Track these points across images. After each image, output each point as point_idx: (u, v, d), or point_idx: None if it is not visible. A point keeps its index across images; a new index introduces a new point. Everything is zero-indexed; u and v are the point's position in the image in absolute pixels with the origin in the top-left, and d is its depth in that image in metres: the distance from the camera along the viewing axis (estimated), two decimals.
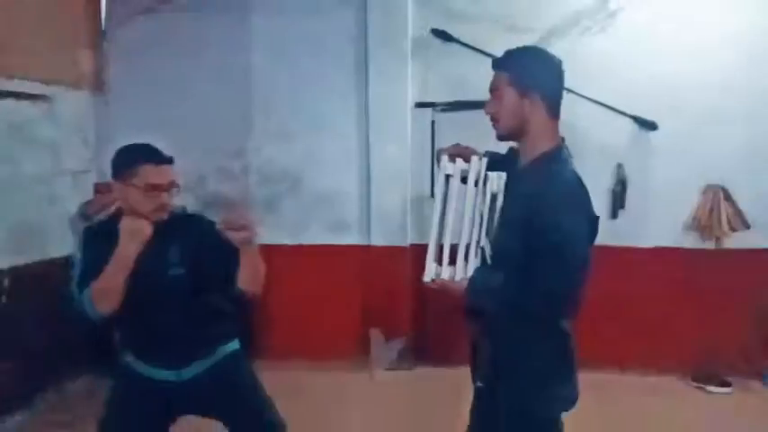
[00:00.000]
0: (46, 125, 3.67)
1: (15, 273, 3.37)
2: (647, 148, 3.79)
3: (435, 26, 3.90)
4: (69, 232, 3.79)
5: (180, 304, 2.00)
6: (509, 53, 1.72)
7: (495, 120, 1.73)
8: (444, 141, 3.95)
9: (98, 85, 4.14)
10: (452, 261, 1.64)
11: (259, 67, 4.11)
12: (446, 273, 1.64)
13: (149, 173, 1.91)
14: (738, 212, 3.73)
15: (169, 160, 1.97)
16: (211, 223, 2.07)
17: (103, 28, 4.16)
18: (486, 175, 1.64)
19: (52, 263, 3.61)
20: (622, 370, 3.85)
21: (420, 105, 3.96)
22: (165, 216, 1.98)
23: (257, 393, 2.18)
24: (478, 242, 1.65)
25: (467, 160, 1.66)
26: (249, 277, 1.92)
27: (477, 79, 3.69)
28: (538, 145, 1.68)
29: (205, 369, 2.09)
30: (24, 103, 3.50)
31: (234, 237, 1.77)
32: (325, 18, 4.01)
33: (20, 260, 3.41)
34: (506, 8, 3.83)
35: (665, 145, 3.76)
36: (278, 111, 4.12)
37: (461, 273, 1.64)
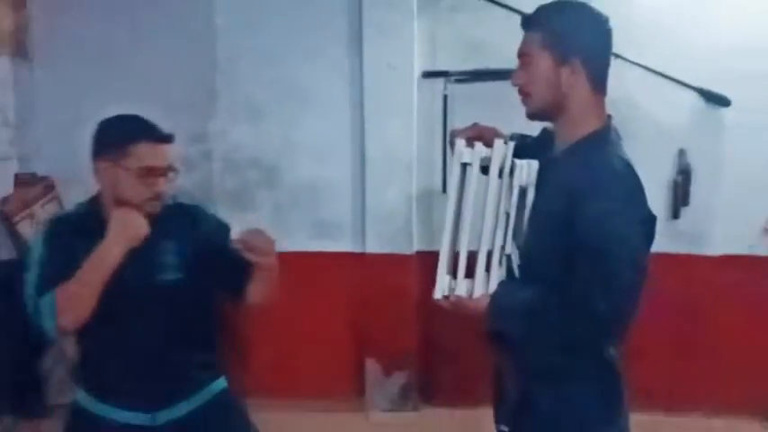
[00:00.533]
0: None
1: None
2: (717, 130, 3.80)
3: None
4: None
5: (169, 319, 1.99)
6: (543, 9, 1.74)
7: (525, 93, 1.74)
8: (460, 121, 3.95)
9: (20, 49, 4.13)
10: (470, 273, 1.65)
11: (224, 28, 4.10)
12: (462, 287, 1.65)
13: (146, 153, 1.92)
14: None
15: (169, 138, 1.99)
16: (216, 219, 2.14)
17: None
18: (513, 164, 1.65)
19: None
20: (680, 410, 3.86)
21: (429, 75, 3.96)
22: (159, 207, 1.98)
23: None
24: (503, 248, 1.66)
25: (488, 144, 1.67)
26: (263, 292, 2.02)
27: (502, 42, 3.70)
28: (579, 125, 1.69)
29: (188, 413, 2.05)
30: None
31: (254, 260, 1.87)
32: None
33: None
34: None
35: (738, 125, 3.76)
36: (248, 83, 4.12)
37: (481, 287, 1.65)
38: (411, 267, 3.98)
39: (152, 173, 1.93)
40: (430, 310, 3.84)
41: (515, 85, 1.75)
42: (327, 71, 4.05)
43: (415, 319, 4.00)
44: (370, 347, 4.10)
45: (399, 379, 4.07)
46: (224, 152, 4.18)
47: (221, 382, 2.16)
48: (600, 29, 1.70)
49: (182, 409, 2.04)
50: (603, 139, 1.68)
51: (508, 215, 1.65)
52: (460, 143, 1.68)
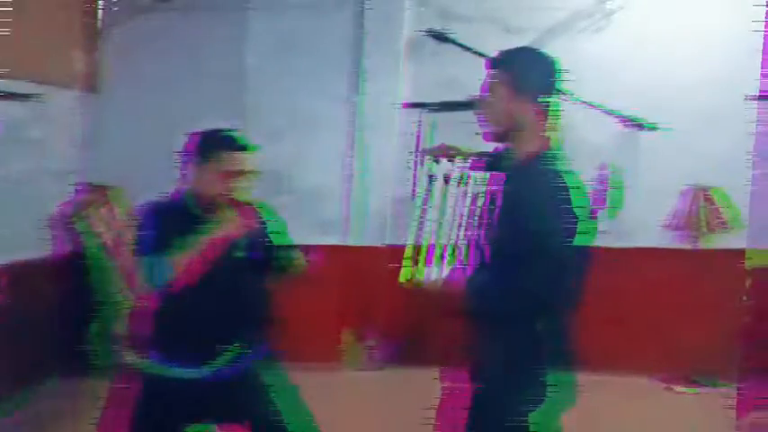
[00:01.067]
0: (35, 124, 3.61)
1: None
2: (635, 148, 3.78)
3: (431, 26, 3.87)
4: (50, 232, 3.71)
5: (231, 288, 1.99)
6: (504, 53, 1.70)
7: (487, 119, 1.69)
8: (435, 142, 3.93)
9: (91, 84, 4.09)
10: (428, 261, 1.65)
11: (253, 68, 4.09)
12: (422, 273, 1.65)
13: (228, 159, 1.93)
14: (718, 214, 3.72)
15: (244, 147, 1.98)
16: (275, 215, 2.15)
17: (99, 28, 4.13)
18: (468, 176, 1.64)
19: (37, 262, 3.58)
20: (593, 370, 3.78)
21: (409, 106, 3.92)
22: (233, 200, 1.98)
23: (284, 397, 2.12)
24: (456, 243, 1.64)
25: (451, 160, 1.65)
26: (290, 278, 2.11)
27: (471, 79, 3.69)
28: (529, 145, 1.65)
29: (229, 367, 2.02)
30: (15, 102, 3.45)
31: (293, 267, 2.07)
32: (322, 18, 4.00)
33: (3, 259, 3.34)
34: (501, 9, 3.81)
35: (650, 146, 3.75)
36: (271, 111, 4.08)
37: (437, 273, 1.63)
38: (382, 257, 3.89)
39: (229, 174, 1.93)
40: (395, 291, 3.84)
41: (479, 113, 1.71)
42: (331, 104, 4.02)
43: (383, 298, 3.94)
44: (346, 320, 4.06)
45: (368, 345, 4.06)
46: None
47: (256, 343, 2.12)
48: (549, 69, 1.66)
49: (222, 363, 2.00)
50: (546, 156, 1.64)
51: (462, 216, 1.63)
52: (428, 159, 1.66)
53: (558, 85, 1.69)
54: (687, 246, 3.76)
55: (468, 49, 3.81)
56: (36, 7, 3.58)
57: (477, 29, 3.82)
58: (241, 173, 1.95)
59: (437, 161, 1.64)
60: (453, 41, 3.84)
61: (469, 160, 1.64)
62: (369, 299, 3.97)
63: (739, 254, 3.69)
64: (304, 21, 4.00)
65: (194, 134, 2.01)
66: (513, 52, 1.70)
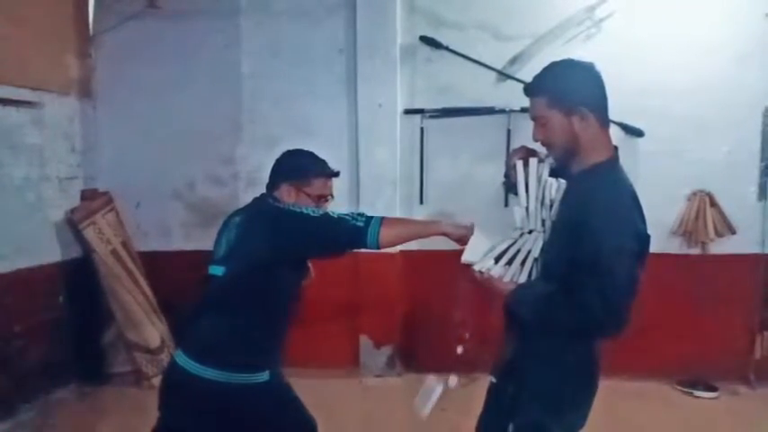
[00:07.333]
0: (33, 131, 3.66)
1: (1, 279, 3.34)
2: (634, 155, 3.83)
3: (424, 33, 3.93)
4: (56, 239, 3.77)
5: (299, 293, 2.22)
6: (539, 77, 1.64)
7: (547, 145, 1.65)
8: (434, 147, 3.96)
9: (86, 91, 4.13)
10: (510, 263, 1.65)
11: (248, 74, 4.12)
12: (498, 270, 1.64)
13: (321, 185, 2.05)
14: (724, 218, 3.79)
15: (336, 174, 2.11)
16: None
17: (92, 34, 4.16)
18: (546, 181, 1.64)
19: (38, 269, 3.59)
20: (608, 375, 3.84)
21: (409, 112, 3.98)
22: None
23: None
24: (538, 253, 1.64)
25: (526, 163, 1.66)
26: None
27: (465, 86, 3.77)
28: (591, 157, 1.62)
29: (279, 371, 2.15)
30: (12, 109, 3.49)
31: None
32: (315, 25, 4.04)
33: (5, 267, 3.39)
34: (494, 16, 3.86)
35: (651, 151, 3.81)
36: (267, 118, 4.13)
37: (513, 275, 1.63)
38: (396, 264, 3.98)
39: (320, 198, 2.05)
40: (410, 297, 3.84)
41: (537, 141, 1.66)
42: (329, 109, 4.06)
43: (399, 304, 4.01)
44: (363, 326, 4.09)
45: (386, 351, 4.08)
46: (247, 172, 4.18)
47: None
48: (592, 77, 1.62)
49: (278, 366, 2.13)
50: (611, 167, 1.62)
51: (544, 222, 1.64)
52: (520, 164, 1.67)
53: (605, 90, 1.63)
54: (695, 251, 3.83)
55: (461, 55, 3.86)
56: (29, 15, 3.61)
57: (467, 36, 3.87)
58: (328, 196, 2.08)
59: (526, 164, 1.65)
60: (446, 48, 3.89)
61: (548, 164, 1.64)
62: (384, 305, 4.00)
63: (749, 258, 3.78)
64: (296, 27, 4.04)
65: (292, 156, 2.10)
66: (549, 74, 1.63)
